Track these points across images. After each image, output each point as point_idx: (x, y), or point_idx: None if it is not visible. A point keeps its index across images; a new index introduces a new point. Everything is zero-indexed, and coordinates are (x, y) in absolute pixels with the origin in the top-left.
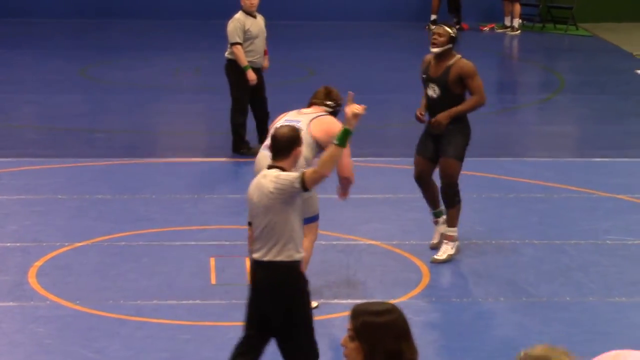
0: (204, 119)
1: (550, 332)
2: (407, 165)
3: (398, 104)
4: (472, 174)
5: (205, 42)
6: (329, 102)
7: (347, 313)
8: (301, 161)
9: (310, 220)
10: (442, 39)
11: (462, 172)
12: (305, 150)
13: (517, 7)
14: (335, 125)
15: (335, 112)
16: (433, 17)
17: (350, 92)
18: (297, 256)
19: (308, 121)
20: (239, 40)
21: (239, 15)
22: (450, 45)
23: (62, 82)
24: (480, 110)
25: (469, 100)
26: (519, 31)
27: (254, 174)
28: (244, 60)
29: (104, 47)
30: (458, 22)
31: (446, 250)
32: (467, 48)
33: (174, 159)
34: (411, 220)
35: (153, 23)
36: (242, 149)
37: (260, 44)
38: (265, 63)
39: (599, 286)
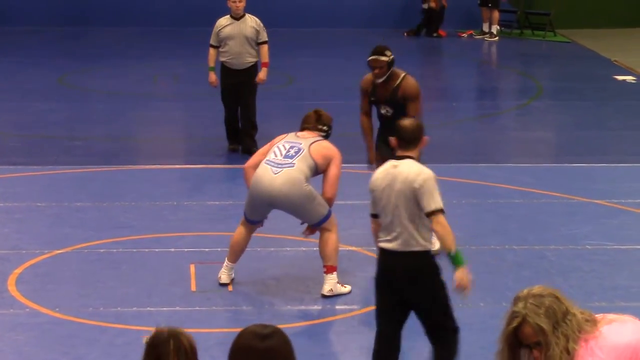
0: (183, 126)
1: None
2: None
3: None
4: (451, 179)
5: (183, 50)
6: (321, 127)
7: (328, 319)
8: (302, 180)
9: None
10: (382, 70)
11: (440, 177)
12: (306, 171)
13: (496, 14)
14: (332, 150)
15: (327, 136)
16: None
17: None
18: (429, 244)
19: (308, 145)
20: (211, 42)
21: (223, 17)
22: (391, 69)
23: (41, 90)
24: (459, 116)
25: None
26: (497, 37)
27: (256, 188)
28: (209, 61)
29: (82, 55)
30: (436, 29)
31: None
32: (445, 55)
33: (152, 166)
34: None
35: (131, 31)
36: (232, 144)
37: (234, 45)
38: (261, 75)
39: (579, 291)
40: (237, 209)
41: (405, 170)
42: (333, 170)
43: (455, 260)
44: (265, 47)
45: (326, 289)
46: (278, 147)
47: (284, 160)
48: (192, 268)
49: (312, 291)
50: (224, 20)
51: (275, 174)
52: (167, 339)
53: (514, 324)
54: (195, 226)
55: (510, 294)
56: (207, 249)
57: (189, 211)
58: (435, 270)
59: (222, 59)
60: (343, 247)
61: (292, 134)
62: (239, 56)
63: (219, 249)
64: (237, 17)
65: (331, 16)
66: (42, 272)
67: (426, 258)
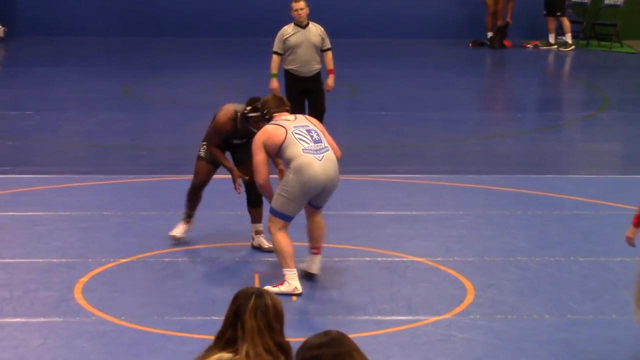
0: None
1: (595, 350)
2: (449, 182)
3: (439, 121)
4: (516, 190)
5: (245, 60)
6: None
7: (391, 329)
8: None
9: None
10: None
11: (506, 189)
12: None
13: (567, 22)
14: None
15: None
16: (489, 34)
17: None
18: None
19: (315, 125)
20: (275, 49)
21: (287, 25)
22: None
23: (105, 100)
24: (524, 127)
25: None
26: (572, 47)
27: (311, 178)
28: (272, 68)
29: (146, 65)
30: (501, 40)
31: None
32: (510, 65)
33: (216, 176)
34: (454, 237)
35: (193, 41)
36: None
37: (302, 53)
38: (330, 82)
39: None
40: (302, 219)
41: None
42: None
43: None
44: (330, 54)
45: (317, 268)
46: (299, 134)
47: (316, 145)
48: (256, 278)
49: (376, 301)
50: (289, 29)
51: (320, 160)
52: (250, 295)
53: None
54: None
55: (576, 306)
56: (271, 259)
57: None
58: None
59: (288, 66)
60: (406, 257)
61: (296, 119)
62: (307, 64)
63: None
64: (301, 25)
65: (395, 27)
66: (108, 281)
67: None
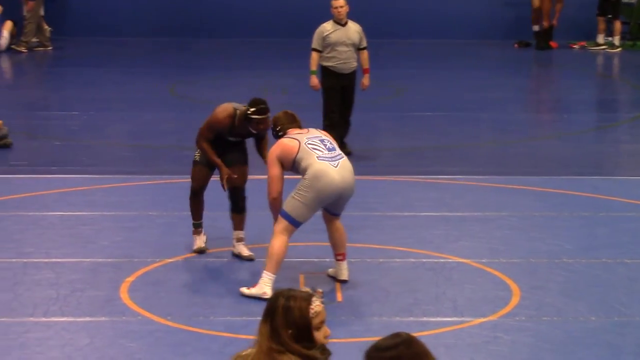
0: None
1: None
2: (495, 184)
3: (485, 122)
4: (563, 192)
5: (290, 61)
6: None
7: (436, 331)
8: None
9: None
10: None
11: (551, 190)
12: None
13: (618, 25)
14: None
15: None
16: (535, 27)
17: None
18: None
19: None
20: (315, 46)
21: (326, 23)
22: None
23: (151, 100)
24: (571, 128)
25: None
26: (619, 49)
27: (327, 185)
28: (311, 65)
29: (192, 66)
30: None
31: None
32: (557, 66)
33: (261, 176)
34: (500, 238)
35: (240, 41)
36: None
37: (343, 50)
38: (365, 81)
39: None
40: (348, 220)
41: None
42: None
43: None
44: (366, 53)
45: (346, 274)
46: (312, 144)
47: (330, 153)
48: (302, 278)
49: (421, 302)
50: (329, 26)
51: (336, 167)
52: (273, 297)
53: None
54: (305, 236)
55: (623, 309)
56: (316, 259)
57: None
58: None
59: (327, 63)
60: (451, 258)
61: (309, 132)
62: (347, 61)
63: (327, 259)
64: (341, 23)
65: (440, 27)
66: (153, 280)
67: None
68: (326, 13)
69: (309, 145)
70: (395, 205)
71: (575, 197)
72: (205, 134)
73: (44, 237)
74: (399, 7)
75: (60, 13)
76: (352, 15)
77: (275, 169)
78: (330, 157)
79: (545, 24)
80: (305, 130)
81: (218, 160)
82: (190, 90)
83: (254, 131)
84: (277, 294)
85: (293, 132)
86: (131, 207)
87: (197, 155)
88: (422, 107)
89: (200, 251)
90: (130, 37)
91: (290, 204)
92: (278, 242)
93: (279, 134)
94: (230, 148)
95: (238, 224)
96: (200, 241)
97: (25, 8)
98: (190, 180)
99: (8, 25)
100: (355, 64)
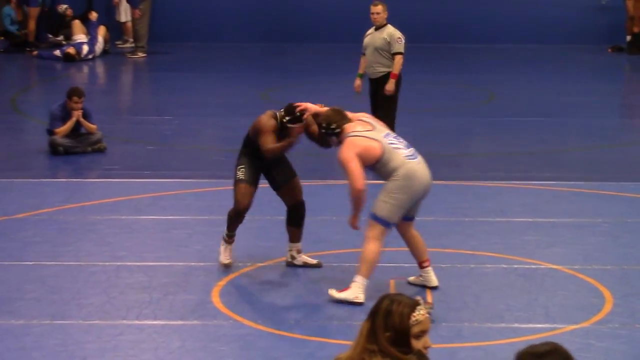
0: None
1: None
2: (588, 189)
3: (578, 127)
4: None
5: None
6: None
7: (528, 337)
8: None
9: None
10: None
11: (634, 195)
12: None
13: None
14: None
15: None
16: (628, 38)
17: None
18: None
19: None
20: (363, 51)
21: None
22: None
23: (244, 105)
24: None
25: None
26: None
27: (420, 182)
28: (359, 68)
29: (286, 71)
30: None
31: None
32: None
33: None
34: (593, 244)
35: (333, 47)
36: None
37: (368, 54)
38: (387, 85)
39: None
40: (438, 225)
41: None
42: None
43: None
44: (397, 58)
45: (435, 280)
46: (392, 143)
47: (409, 149)
48: (392, 284)
49: (513, 309)
50: (369, 30)
51: (420, 163)
52: (383, 299)
53: None
54: (395, 242)
55: None
56: (406, 264)
57: None
58: None
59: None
60: (543, 265)
61: (374, 128)
62: (371, 65)
63: (416, 265)
64: (377, 28)
65: (534, 32)
66: (245, 284)
67: None
68: (417, 17)
69: (391, 145)
70: (487, 211)
71: None
72: (267, 139)
73: (137, 241)
74: (492, 13)
75: (156, 18)
76: (452, 22)
77: (354, 163)
78: (411, 154)
79: (636, 29)
80: (367, 125)
81: (284, 142)
82: (283, 96)
83: (289, 137)
84: (384, 296)
85: (350, 128)
86: (224, 211)
87: (239, 174)
88: (515, 112)
89: (227, 266)
90: (224, 43)
91: (383, 208)
92: (373, 247)
93: (336, 131)
94: (273, 165)
95: (297, 236)
96: (228, 255)
97: (135, 13)
98: (235, 197)
99: (102, 30)
100: (381, 69)
